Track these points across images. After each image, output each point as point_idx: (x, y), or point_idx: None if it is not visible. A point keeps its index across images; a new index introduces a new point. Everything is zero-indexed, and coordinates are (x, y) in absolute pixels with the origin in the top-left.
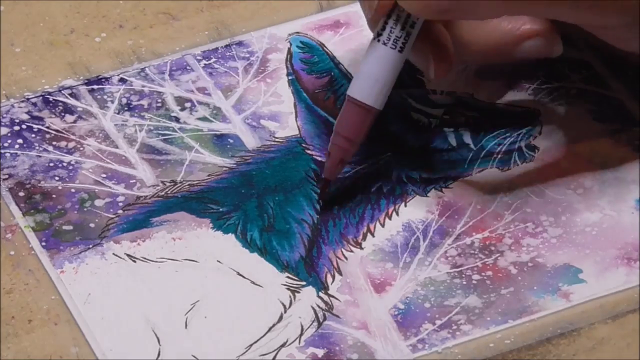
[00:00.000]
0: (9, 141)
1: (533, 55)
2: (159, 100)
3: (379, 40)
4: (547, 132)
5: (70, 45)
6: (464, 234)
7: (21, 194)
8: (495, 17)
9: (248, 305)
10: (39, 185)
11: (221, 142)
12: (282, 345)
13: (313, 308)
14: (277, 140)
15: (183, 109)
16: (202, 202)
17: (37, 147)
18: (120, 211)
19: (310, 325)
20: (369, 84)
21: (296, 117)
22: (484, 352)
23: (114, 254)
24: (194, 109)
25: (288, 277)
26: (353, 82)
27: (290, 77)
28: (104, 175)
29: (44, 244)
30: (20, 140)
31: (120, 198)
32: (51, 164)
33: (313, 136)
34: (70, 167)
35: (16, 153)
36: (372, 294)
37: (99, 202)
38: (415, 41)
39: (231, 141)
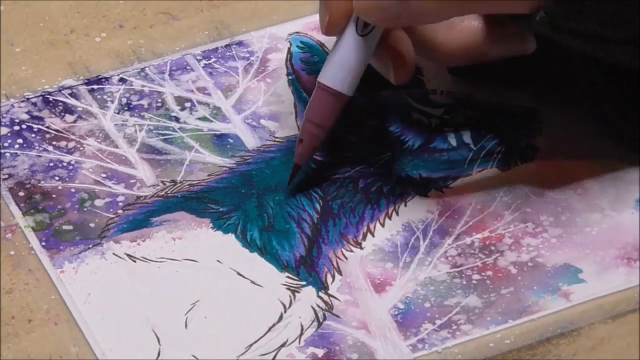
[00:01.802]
0: (9, 141)
1: (506, 55)
2: (159, 100)
3: (359, 34)
4: (547, 132)
5: (70, 45)
6: (464, 234)
7: (21, 193)
8: (445, 19)
9: (248, 305)
10: (39, 185)
11: (221, 142)
12: (282, 345)
13: (313, 308)
14: (277, 140)
15: (183, 108)
16: (202, 202)
17: (37, 147)
18: (120, 211)
19: (310, 325)
20: (338, 71)
21: (296, 117)
22: (484, 352)
23: (114, 253)
24: (194, 108)
25: (288, 277)
26: (323, 68)
27: (290, 77)
28: (104, 175)
29: (44, 243)
30: (20, 140)
31: (120, 198)
32: (51, 164)
33: None
34: (70, 167)
35: (16, 153)
36: (372, 293)
37: (99, 202)
38: (376, 48)
39: (231, 141)
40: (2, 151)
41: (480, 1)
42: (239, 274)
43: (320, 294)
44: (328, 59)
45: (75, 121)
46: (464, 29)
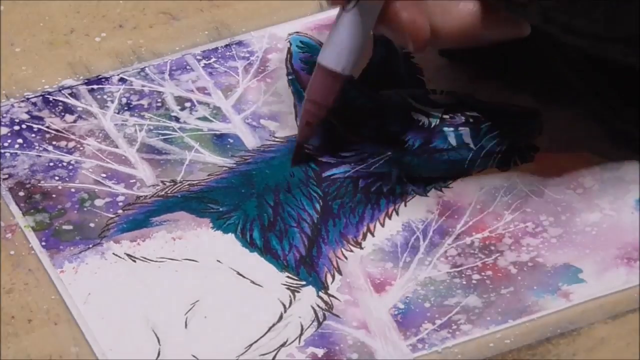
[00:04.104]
0: (9, 141)
1: (501, 38)
2: (159, 100)
3: (344, 10)
4: (547, 132)
5: (70, 45)
6: (464, 234)
7: (21, 193)
8: None
9: (248, 305)
10: (39, 185)
11: (221, 141)
12: (282, 345)
13: (313, 308)
14: (277, 140)
15: (183, 108)
16: (202, 201)
17: (37, 147)
18: (120, 211)
19: (310, 325)
20: (336, 52)
21: (296, 117)
22: (484, 351)
23: (114, 253)
24: (194, 108)
25: (288, 276)
26: (322, 50)
27: (290, 77)
28: (104, 175)
29: (43, 243)
30: (20, 140)
31: (120, 198)
32: (51, 164)
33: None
34: (70, 167)
35: (16, 153)
36: (372, 293)
37: (99, 202)
38: (386, 20)
39: (231, 141)
40: (2, 151)
41: None
42: (239, 273)
43: (320, 293)
44: (327, 40)
45: (75, 121)
46: (459, 12)
